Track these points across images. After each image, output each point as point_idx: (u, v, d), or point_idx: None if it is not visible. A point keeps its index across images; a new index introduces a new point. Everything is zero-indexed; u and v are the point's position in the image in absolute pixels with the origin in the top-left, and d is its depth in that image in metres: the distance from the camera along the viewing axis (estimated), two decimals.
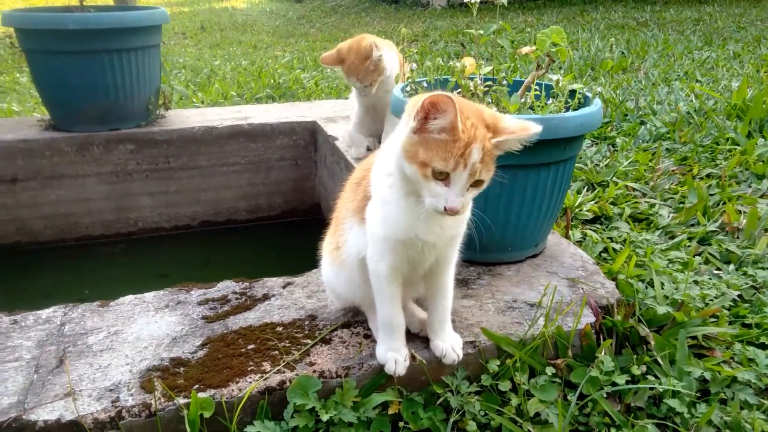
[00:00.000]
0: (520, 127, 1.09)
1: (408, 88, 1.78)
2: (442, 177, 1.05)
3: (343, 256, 1.33)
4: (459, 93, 1.63)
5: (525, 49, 1.66)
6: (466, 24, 7.73)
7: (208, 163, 3.00)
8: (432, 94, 1.01)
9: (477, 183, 1.08)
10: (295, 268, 1.71)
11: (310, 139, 3.11)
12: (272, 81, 4.73)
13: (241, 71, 5.25)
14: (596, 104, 1.63)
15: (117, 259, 2.88)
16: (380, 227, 1.18)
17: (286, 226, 3.19)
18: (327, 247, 1.43)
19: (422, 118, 1.03)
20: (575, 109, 1.66)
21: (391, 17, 9.33)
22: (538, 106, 1.62)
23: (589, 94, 1.70)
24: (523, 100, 1.63)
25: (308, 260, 1.66)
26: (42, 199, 2.81)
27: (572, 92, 1.71)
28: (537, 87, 1.69)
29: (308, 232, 3.08)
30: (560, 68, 4.45)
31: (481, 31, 1.69)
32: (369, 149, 2.59)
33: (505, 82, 1.68)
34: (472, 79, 1.61)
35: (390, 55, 2.34)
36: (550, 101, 1.67)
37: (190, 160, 2.96)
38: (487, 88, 1.66)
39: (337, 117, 3.14)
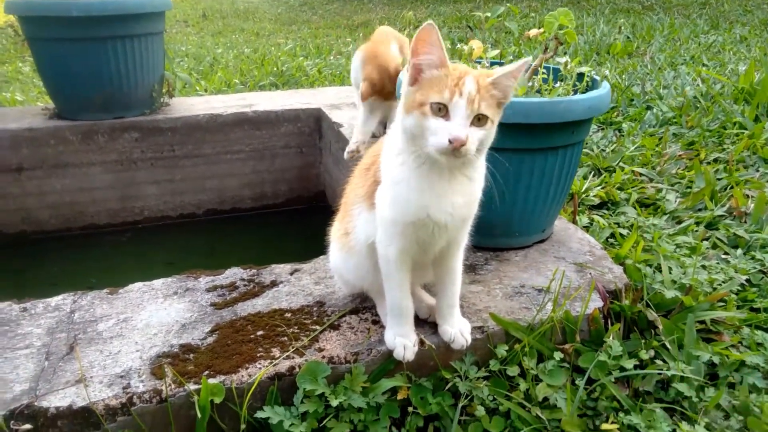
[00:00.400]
0: (514, 67, 1.10)
1: None
2: (442, 113, 1.06)
3: (352, 242, 1.32)
4: None
5: (532, 32, 1.64)
6: (469, 9, 7.67)
7: (213, 151, 2.99)
8: (417, 33, 1.06)
9: (480, 120, 1.08)
10: (301, 256, 1.71)
11: (314, 126, 3.10)
12: (275, 68, 4.71)
13: (243, 59, 5.23)
14: (604, 87, 1.62)
15: (123, 248, 2.88)
16: (390, 210, 1.17)
17: (290, 213, 3.19)
18: (336, 233, 1.42)
19: (414, 65, 1.08)
20: (583, 93, 1.65)
21: (393, 3, 9.26)
22: (546, 89, 1.61)
23: (597, 78, 1.69)
24: (530, 83, 1.62)
25: (313, 248, 1.66)
26: (47, 188, 2.81)
27: (580, 75, 1.70)
28: (544, 70, 1.68)
29: (313, 219, 3.09)
30: (565, 53, 4.41)
31: (488, 14, 1.67)
32: (374, 135, 2.58)
33: None
34: (479, 62, 1.60)
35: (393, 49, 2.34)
36: (557, 84, 1.65)
37: (194, 148, 2.96)
38: None
39: (342, 104, 3.13)
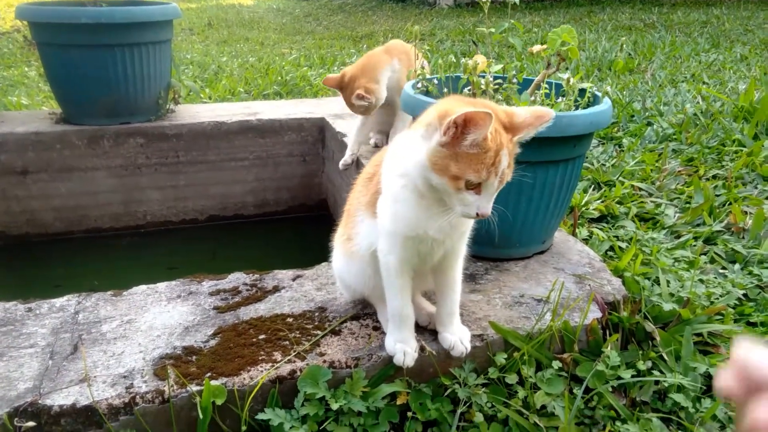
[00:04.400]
0: (536, 117, 1.11)
1: (419, 85, 1.79)
2: (474, 186, 1.07)
3: (354, 247, 1.34)
4: (470, 90, 1.65)
5: (536, 48, 1.67)
6: (473, 23, 7.74)
7: (217, 158, 3.02)
8: (467, 111, 0.99)
9: (502, 183, 1.11)
10: (302, 263, 1.73)
11: (318, 135, 3.13)
12: (279, 78, 4.75)
13: (248, 68, 5.27)
14: (606, 103, 1.65)
15: (125, 252, 2.90)
16: (390, 222, 1.20)
17: (293, 221, 3.21)
18: (339, 238, 1.45)
19: (454, 134, 1.02)
20: (585, 108, 1.67)
21: (397, 16, 9.34)
22: (548, 104, 1.64)
23: (599, 93, 1.72)
24: (533, 98, 1.65)
25: (315, 255, 1.68)
26: (52, 191, 2.84)
27: (582, 91, 1.73)
28: (547, 85, 1.71)
29: (315, 228, 3.11)
30: (567, 69, 4.46)
31: (493, 29, 1.70)
32: (377, 146, 2.61)
33: (515, 80, 1.69)
34: (482, 77, 1.63)
35: (391, 71, 2.37)
36: (559, 99, 1.68)
37: (199, 154, 2.99)
38: (497, 86, 1.68)
39: (345, 114, 3.15)
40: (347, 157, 2.52)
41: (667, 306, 1.52)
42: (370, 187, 1.30)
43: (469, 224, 1.25)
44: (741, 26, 6.71)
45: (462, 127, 1.02)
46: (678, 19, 7.54)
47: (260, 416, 1.21)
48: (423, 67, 1.79)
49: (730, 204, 2.24)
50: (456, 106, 1.06)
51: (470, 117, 1.00)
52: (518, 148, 1.13)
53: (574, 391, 1.32)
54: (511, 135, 1.09)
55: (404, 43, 2.58)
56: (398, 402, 1.29)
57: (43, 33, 2.73)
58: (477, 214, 1.08)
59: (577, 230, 2.04)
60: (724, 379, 0.47)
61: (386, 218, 1.21)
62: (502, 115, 1.11)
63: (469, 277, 1.62)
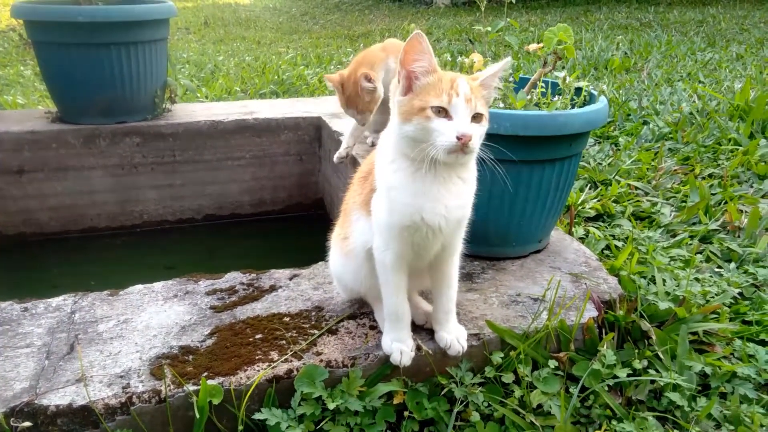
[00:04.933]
0: (496, 67, 1.19)
1: None
2: (442, 115, 1.11)
3: (350, 246, 1.35)
4: None
5: (532, 47, 1.68)
6: (469, 23, 7.74)
7: (214, 157, 3.02)
8: (403, 47, 1.11)
9: (476, 117, 1.14)
10: (298, 263, 1.73)
11: (314, 134, 3.13)
12: (276, 77, 4.74)
13: (244, 67, 5.26)
14: (602, 101, 1.65)
15: (122, 252, 2.90)
16: (385, 215, 1.20)
17: (289, 220, 3.20)
18: (335, 237, 1.45)
19: (406, 75, 1.13)
20: (581, 107, 1.68)
21: (394, 15, 9.34)
22: (544, 102, 1.64)
23: (595, 92, 1.72)
24: (529, 96, 1.65)
25: (311, 255, 1.68)
26: (48, 190, 2.83)
27: (578, 90, 1.73)
28: (543, 84, 1.71)
29: (311, 227, 3.11)
30: (563, 68, 4.46)
31: (489, 28, 1.70)
32: (373, 144, 2.61)
33: (511, 78, 1.70)
34: None
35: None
36: (556, 98, 1.68)
37: (195, 153, 2.98)
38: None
39: (342, 112, 3.14)
40: (342, 150, 2.52)
41: (663, 305, 1.52)
42: (365, 186, 1.30)
43: (466, 211, 1.24)
44: (737, 25, 6.73)
45: (407, 61, 1.12)
46: (674, 18, 7.56)
47: (257, 416, 1.21)
48: None
49: (726, 203, 2.24)
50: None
51: (408, 45, 1.11)
52: (486, 90, 1.19)
53: (570, 390, 1.33)
54: (473, 80, 1.17)
55: (401, 42, 2.58)
56: (395, 401, 1.29)
57: (39, 32, 2.71)
58: (458, 138, 1.09)
59: (573, 229, 2.05)
60: None
61: (382, 211, 1.21)
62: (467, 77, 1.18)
63: (466, 276, 1.62)
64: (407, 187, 1.17)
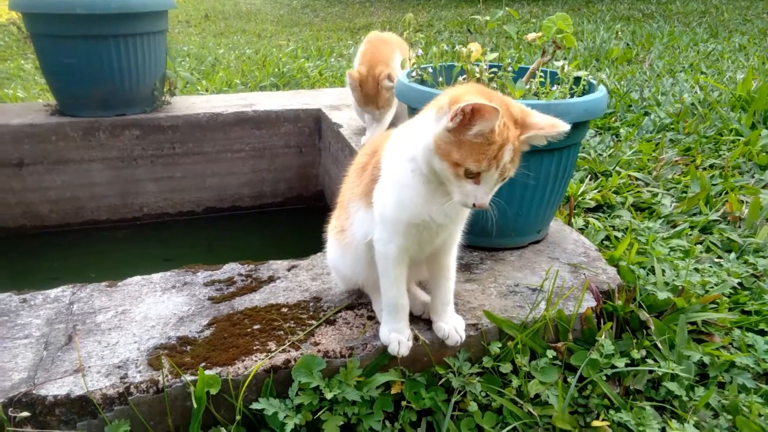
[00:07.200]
0: (549, 124, 1.10)
1: (414, 74, 1.78)
2: (473, 175, 1.06)
3: (348, 238, 1.34)
4: (464, 78, 1.64)
5: (531, 36, 1.67)
6: (470, 14, 7.71)
7: (213, 150, 3.01)
8: (477, 102, 0.99)
9: (503, 178, 1.10)
10: (298, 254, 1.72)
11: (314, 126, 3.12)
12: (276, 70, 4.73)
13: (245, 60, 5.25)
14: (601, 91, 1.64)
15: (122, 244, 2.90)
16: (393, 210, 1.18)
17: (289, 213, 3.20)
18: (332, 230, 1.44)
19: (461, 122, 1.02)
20: (580, 96, 1.67)
21: (395, 7, 9.30)
22: (543, 92, 1.63)
23: (594, 81, 1.71)
24: (528, 86, 1.64)
25: (311, 247, 1.67)
26: (48, 183, 2.83)
27: (577, 79, 1.72)
28: (542, 74, 1.70)
29: (312, 219, 3.09)
30: (564, 58, 4.44)
31: (488, 17, 1.69)
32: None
33: (510, 68, 1.69)
34: (477, 65, 1.62)
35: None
36: (554, 88, 1.68)
37: (195, 146, 2.98)
38: (492, 75, 1.67)
39: (342, 105, 3.15)
40: (368, 136, 2.55)
41: (662, 295, 1.52)
42: (364, 177, 1.29)
43: (468, 210, 1.24)
44: (740, 16, 6.69)
45: (469, 116, 1.01)
46: (676, 9, 7.51)
47: (254, 405, 1.21)
48: (417, 56, 1.78)
49: (727, 193, 2.23)
50: (468, 94, 1.05)
51: (478, 108, 1.00)
52: (526, 146, 1.12)
53: (568, 379, 1.33)
54: (520, 132, 1.08)
55: (397, 36, 2.60)
56: (393, 391, 1.29)
57: (37, 24, 2.71)
58: (474, 205, 1.08)
59: (573, 220, 2.04)
60: None
61: (389, 206, 1.19)
62: (516, 110, 1.10)
63: (464, 267, 1.62)
64: (420, 189, 1.15)
